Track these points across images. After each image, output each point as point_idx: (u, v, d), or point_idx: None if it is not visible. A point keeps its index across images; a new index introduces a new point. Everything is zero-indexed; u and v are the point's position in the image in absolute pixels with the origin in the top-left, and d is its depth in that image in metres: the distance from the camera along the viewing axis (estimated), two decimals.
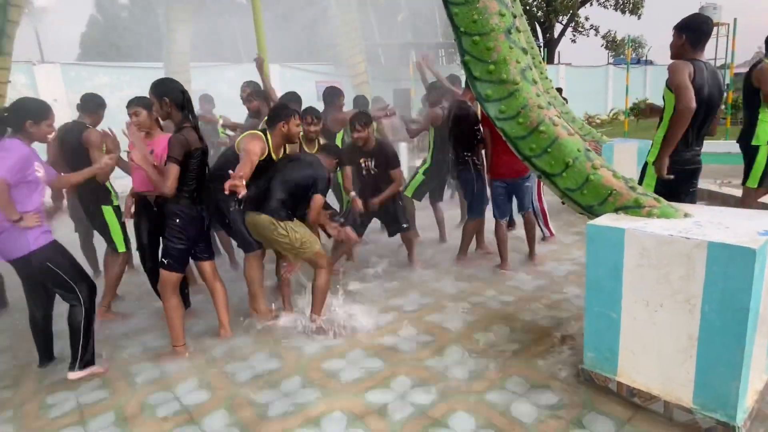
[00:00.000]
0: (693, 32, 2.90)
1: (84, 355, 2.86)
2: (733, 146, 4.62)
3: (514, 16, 2.68)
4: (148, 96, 3.00)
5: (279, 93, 5.00)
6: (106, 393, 2.74)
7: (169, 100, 2.90)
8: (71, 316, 2.84)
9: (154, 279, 3.45)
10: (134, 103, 3.34)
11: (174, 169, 2.83)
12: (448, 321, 3.32)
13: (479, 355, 2.85)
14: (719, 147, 8.83)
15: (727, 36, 13.35)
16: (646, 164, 3.17)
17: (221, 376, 2.82)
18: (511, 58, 2.58)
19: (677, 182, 3.02)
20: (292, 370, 2.83)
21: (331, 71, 14.40)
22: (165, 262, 2.99)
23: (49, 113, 2.81)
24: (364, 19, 14.08)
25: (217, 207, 3.46)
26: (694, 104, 2.76)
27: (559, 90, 7.12)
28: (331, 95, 4.83)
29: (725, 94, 2.98)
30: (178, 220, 2.94)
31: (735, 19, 12.94)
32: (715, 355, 1.99)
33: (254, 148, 3.10)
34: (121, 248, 3.86)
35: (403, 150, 7.92)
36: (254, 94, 4.55)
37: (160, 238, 3.13)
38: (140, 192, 3.42)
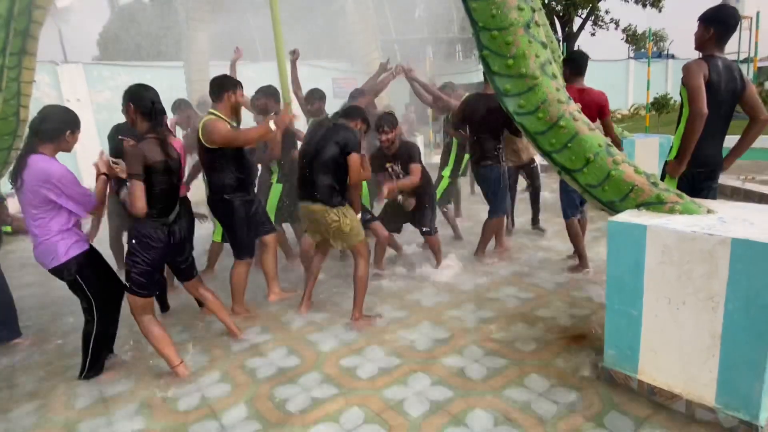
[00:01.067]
0: (721, 25, 2.79)
1: (89, 369, 2.86)
2: (759, 142, 4.49)
3: (533, 11, 2.65)
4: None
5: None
6: (131, 383, 2.81)
7: (134, 106, 2.68)
8: (84, 328, 2.85)
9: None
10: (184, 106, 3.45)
11: (136, 187, 2.58)
12: (466, 318, 3.31)
13: (497, 352, 2.84)
14: None
15: (750, 29, 12.97)
16: (666, 163, 3.11)
17: (241, 371, 2.87)
18: (530, 53, 2.56)
19: (699, 180, 2.95)
20: (310, 366, 2.86)
21: (348, 68, 14.41)
22: (127, 285, 2.75)
23: (80, 123, 2.86)
24: (380, 15, 14.05)
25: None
26: (705, 110, 2.70)
27: None
28: (355, 96, 4.83)
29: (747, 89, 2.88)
30: (134, 242, 2.69)
31: (758, 12, 12.58)
32: (738, 354, 1.96)
33: (225, 127, 3.19)
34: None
35: (419, 145, 7.92)
36: (259, 92, 4.52)
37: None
38: None
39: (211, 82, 3.35)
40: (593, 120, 3.90)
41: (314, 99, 4.64)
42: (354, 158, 3.25)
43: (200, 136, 3.21)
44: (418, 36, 18.64)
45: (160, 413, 2.53)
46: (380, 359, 2.87)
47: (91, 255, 2.86)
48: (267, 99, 4.42)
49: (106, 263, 2.97)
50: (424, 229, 4.23)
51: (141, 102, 2.68)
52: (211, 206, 3.48)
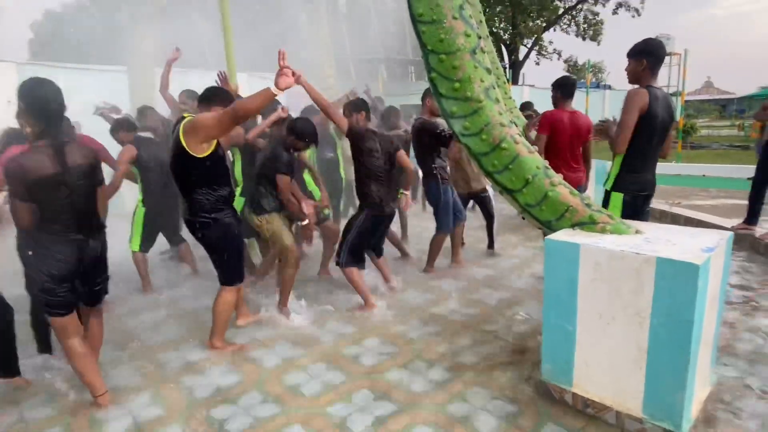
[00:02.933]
0: (652, 56, 2.92)
1: None
2: (682, 168, 4.88)
3: (479, 37, 2.78)
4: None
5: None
6: (54, 407, 2.60)
7: (24, 106, 2.27)
8: None
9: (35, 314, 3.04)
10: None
11: (18, 207, 2.25)
12: (412, 333, 3.33)
13: (441, 367, 2.87)
14: (671, 169, 9.31)
15: (679, 65, 14.16)
16: (607, 193, 3.16)
17: (177, 392, 2.73)
18: (475, 77, 2.66)
19: (640, 203, 3.10)
20: (251, 384, 2.77)
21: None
22: (43, 303, 2.45)
23: None
24: (335, 32, 14.16)
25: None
26: (623, 149, 2.94)
27: (530, 104, 7.40)
28: (309, 112, 4.81)
29: (676, 120, 3.15)
30: (30, 253, 2.37)
31: (686, 50, 13.74)
32: (662, 366, 2.08)
33: (211, 113, 2.80)
34: (134, 247, 4.30)
35: None
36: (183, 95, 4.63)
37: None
38: None
39: (206, 90, 3.04)
40: (582, 141, 4.14)
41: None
42: (279, 178, 3.49)
43: (182, 142, 2.72)
44: (373, 55, 18.93)
45: None
46: (324, 375, 2.83)
47: None
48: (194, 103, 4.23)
49: None
50: (335, 258, 3.87)
51: (30, 101, 2.25)
52: (192, 227, 2.99)
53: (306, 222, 3.74)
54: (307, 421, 2.40)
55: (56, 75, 2.45)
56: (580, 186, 4.11)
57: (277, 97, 2.63)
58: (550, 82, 4.20)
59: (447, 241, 4.65)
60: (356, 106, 3.78)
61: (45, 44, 22.79)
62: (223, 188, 2.96)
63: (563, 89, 4.13)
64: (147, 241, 4.38)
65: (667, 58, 21.25)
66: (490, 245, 5.27)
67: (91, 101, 4.80)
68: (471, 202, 5.24)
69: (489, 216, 5.20)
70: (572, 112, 4.13)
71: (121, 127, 4.30)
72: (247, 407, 2.54)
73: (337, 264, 3.77)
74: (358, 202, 3.90)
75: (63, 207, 2.34)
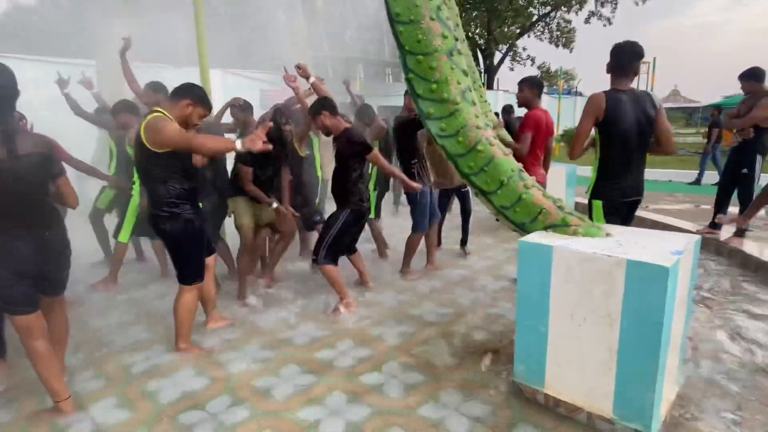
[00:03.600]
0: (615, 58, 2.89)
1: None
2: (649, 174, 4.99)
3: (456, 39, 2.78)
4: None
5: (221, 101, 4.88)
6: (11, 412, 2.47)
7: None
8: None
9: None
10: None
11: None
12: (387, 334, 3.31)
13: (415, 368, 2.86)
14: None
15: (648, 72, 14.62)
16: (589, 201, 3.08)
17: (141, 396, 2.63)
18: (452, 79, 2.67)
19: (625, 210, 3.01)
20: (220, 388, 2.70)
21: (277, 80, 14.20)
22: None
23: None
24: (313, 31, 14.07)
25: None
26: (575, 154, 3.04)
27: (511, 107, 7.50)
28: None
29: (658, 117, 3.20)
30: None
31: (654, 58, 14.17)
32: (632, 367, 2.11)
33: (175, 127, 2.71)
34: (122, 239, 4.23)
35: None
36: (147, 87, 4.36)
37: None
38: None
39: (178, 86, 2.91)
40: (550, 136, 4.24)
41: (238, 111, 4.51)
42: (240, 168, 3.81)
43: (142, 136, 2.70)
44: (351, 55, 18.89)
45: None
46: (297, 378, 2.77)
47: None
48: (157, 95, 4.12)
49: None
50: (312, 256, 3.78)
51: None
52: (152, 221, 2.93)
53: (275, 206, 3.93)
54: (278, 426, 2.35)
55: (22, 66, 2.32)
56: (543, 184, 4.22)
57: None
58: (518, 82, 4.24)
59: (422, 243, 4.65)
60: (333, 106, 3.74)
61: (10, 35, 21.91)
62: (184, 183, 2.88)
63: (540, 88, 4.20)
64: (135, 233, 4.29)
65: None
66: (464, 242, 5.29)
67: (58, 94, 4.62)
68: (451, 201, 5.27)
69: (465, 212, 5.24)
70: (545, 112, 4.21)
71: (124, 109, 4.09)
72: (215, 412, 2.47)
73: (314, 261, 3.70)
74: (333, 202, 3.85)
75: (13, 199, 2.22)
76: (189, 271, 3.01)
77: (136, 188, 4.17)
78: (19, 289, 2.29)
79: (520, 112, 6.25)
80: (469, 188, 5.07)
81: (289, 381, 2.75)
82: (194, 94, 2.86)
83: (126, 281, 4.39)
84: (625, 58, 2.89)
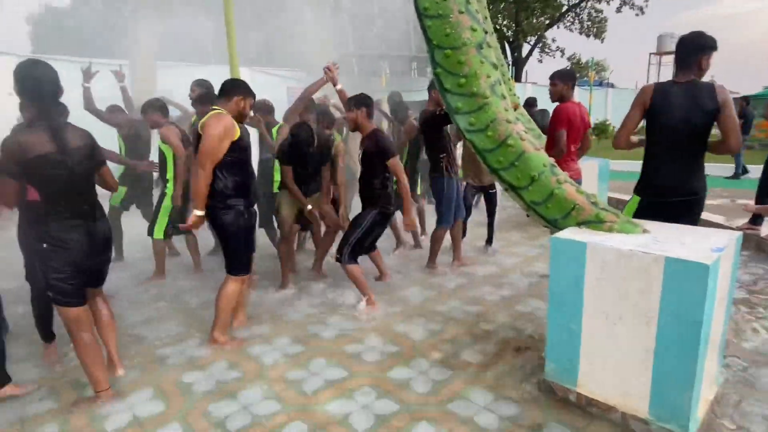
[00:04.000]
0: (680, 47, 2.80)
1: None
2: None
3: (485, 32, 2.74)
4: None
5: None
6: (54, 402, 2.58)
7: (19, 89, 2.27)
8: None
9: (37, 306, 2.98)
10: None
11: (7, 185, 2.24)
12: (414, 331, 3.31)
13: (443, 365, 2.85)
14: None
15: None
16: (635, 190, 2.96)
17: (176, 387, 2.71)
18: (481, 73, 2.63)
19: (663, 208, 2.76)
20: (251, 380, 2.75)
21: (303, 78, 14.32)
22: (51, 295, 2.41)
23: None
24: (338, 28, 14.12)
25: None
26: (619, 142, 2.93)
27: (534, 100, 7.36)
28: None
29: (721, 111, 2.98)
30: (45, 245, 2.34)
31: None
32: (669, 367, 2.05)
33: (232, 126, 2.94)
34: (157, 236, 4.30)
35: None
36: (194, 84, 4.61)
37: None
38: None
39: (225, 82, 3.08)
40: (586, 129, 4.14)
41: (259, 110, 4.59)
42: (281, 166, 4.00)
43: (201, 132, 2.87)
44: (376, 52, 18.85)
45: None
46: (326, 372, 2.80)
47: None
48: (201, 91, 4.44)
49: None
50: (336, 254, 3.76)
51: (27, 82, 2.26)
52: (209, 213, 3.00)
53: (309, 208, 4.04)
54: (308, 419, 2.38)
55: (57, 67, 2.41)
56: (579, 179, 4.11)
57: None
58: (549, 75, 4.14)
59: (448, 239, 4.62)
60: (358, 102, 3.70)
61: (45, 37, 22.72)
62: (238, 177, 2.99)
63: (574, 80, 4.07)
64: (170, 229, 4.38)
65: (670, 57, 21.18)
66: (489, 241, 5.25)
67: (93, 95, 4.76)
68: (476, 197, 5.24)
69: (491, 213, 5.19)
70: (579, 104, 4.08)
71: (153, 108, 4.16)
72: (247, 404, 2.52)
73: (338, 260, 3.72)
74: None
75: (65, 189, 2.33)
76: (238, 263, 3.10)
77: (170, 186, 4.26)
78: (73, 281, 2.40)
79: (543, 104, 6.11)
80: (496, 190, 5.04)
81: (318, 374, 2.78)
82: (242, 88, 3.02)
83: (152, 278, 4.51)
84: (685, 51, 2.77)
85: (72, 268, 2.39)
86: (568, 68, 4.26)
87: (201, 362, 2.96)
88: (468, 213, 5.11)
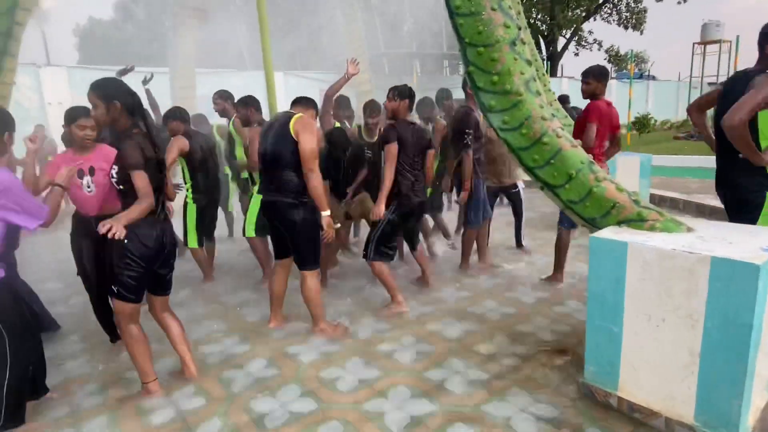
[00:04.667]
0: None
1: (6, 419, 2.27)
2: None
3: (519, 28, 2.70)
4: (89, 98, 2.47)
5: (285, 102, 5.04)
6: (101, 396, 2.72)
7: (120, 104, 2.45)
8: None
9: (100, 310, 3.24)
10: (82, 115, 2.92)
11: (142, 177, 2.40)
12: (448, 331, 3.29)
13: (479, 366, 2.83)
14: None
15: (729, 53, 13.42)
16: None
17: (217, 384, 2.80)
18: (515, 70, 2.59)
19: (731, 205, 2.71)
20: (289, 378, 2.81)
21: (336, 79, 14.48)
22: (115, 290, 2.51)
23: (14, 123, 2.51)
24: (369, 28, 14.19)
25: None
26: (730, 127, 2.42)
27: (567, 97, 7.17)
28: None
29: None
30: (127, 242, 2.42)
31: (738, 36, 13.01)
32: (717, 371, 1.97)
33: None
34: (192, 244, 4.35)
35: None
36: (217, 96, 4.86)
37: (108, 263, 2.65)
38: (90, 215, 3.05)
39: (299, 98, 3.41)
40: (616, 130, 4.04)
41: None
42: None
43: (291, 129, 3.02)
44: (407, 50, 18.86)
45: (132, 427, 2.44)
46: (361, 372, 2.83)
47: (8, 286, 2.31)
48: (224, 102, 4.74)
49: (16, 289, 2.53)
50: (363, 251, 3.71)
51: (124, 97, 2.47)
52: (280, 207, 3.12)
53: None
54: (344, 417, 2.41)
55: (102, 76, 2.54)
56: None
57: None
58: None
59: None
60: (402, 93, 3.63)
61: (90, 47, 23.84)
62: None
63: (607, 77, 3.96)
64: (203, 235, 4.45)
65: (715, 46, 20.19)
66: (519, 244, 5.17)
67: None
68: (498, 198, 5.13)
69: (517, 214, 5.08)
70: (608, 102, 3.96)
71: (173, 117, 4.25)
72: (285, 401, 2.58)
73: (364, 257, 3.70)
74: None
75: (156, 192, 2.50)
76: (311, 257, 3.24)
77: (189, 195, 4.30)
78: (143, 279, 2.55)
79: (576, 101, 5.92)
80: (520, 190, 4.93)
81: (353, 373, 2.81)
82: (315, 105, 3.40)
83: (195, 277, 4.65)
84: (759, 39, 2.67)
85: (147, 266, 2.52)
86: (601, 65, 4.09)
87: (240, 360, 3.04)
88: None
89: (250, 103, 4.11)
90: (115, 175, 2.49)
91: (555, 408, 2.39)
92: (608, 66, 30.10)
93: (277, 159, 3.09)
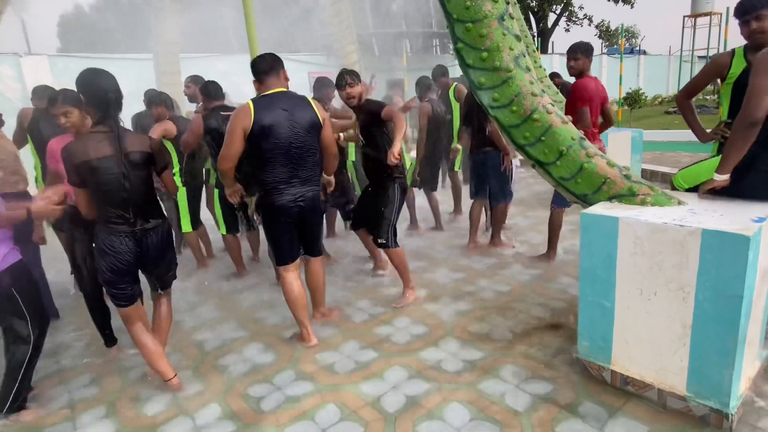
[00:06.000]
0: None
1: (17, 398, 2.43)
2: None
3: (507, 3, 2.64)
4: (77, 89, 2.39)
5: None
6: (97, 387, 2.71)
7: (86, 99, 2.34)
8: (12, 352, 2.40)
9: (95, 311, 3.09)
10: (62, 101, 2.70)
11: (77, 193, 2.33)
12: (443, 311, 3.31)
13: (474, 345, 2.84)
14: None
15: (720, 25, 13.34)
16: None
17: (214, 370, 2.80)
18: (504, 45, 2.54)
19: None
20: (285, 363, 2.81)
21: (323, 62, 14.27)
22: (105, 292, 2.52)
23: None
24: (357, 8, 13.94)
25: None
26: (759, 116, 2.04)
27: (557, 74, 7.13)
28: (323, 83, 4.69)
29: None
30: (94, 245, 2.46)
31: (728, 8, 12.91)
32: (708, 342, 1.99)
33: None
34: (186, 228, 4.29)
35: None
36: (189, 80, 4.78)
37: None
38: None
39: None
40: (606, 103, 3.97)
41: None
42: None
43: (318, 114, 2.86)
44: (396, 30, 18.57)
45: (129, 416, 2.45)
46: (357, 354, 2.84)
47: (26, 267, 2.48)
48: (194, 87, 4.58)
49: (34, 277, 2.59)
50: (379, 240, 3.47)
51: (90, 92, 2.33)
52: (317, 203, 2.96)
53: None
54: (341, 399, 2.43)
55: (86, 65, 2.47)
56: None
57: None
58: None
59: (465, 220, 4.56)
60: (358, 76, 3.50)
61: (72, 36, 23.32)
62: None
63: (592, 53, 3.87)
64: (196, 219, 4.40)
65: (706, 19, 20.05)
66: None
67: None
68: None
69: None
70: (595, 79, 3.89)
71: (157, 102, 4.22)
72: (281, 385, 2.59)
73: (384, 246, 3.44)
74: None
75: (118, 195, 2.34)
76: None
77: (177, 179, 4.18)
78: (121, 285, 2.45)
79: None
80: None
81: (350, 356, 2.82)
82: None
83: (190, 267, 4.62)
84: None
85: (116, 274, 2.42)
86: (586, 42, 3.97)
87: (236, 346, 3.05)
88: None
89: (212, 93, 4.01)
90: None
91: (550, 383, 2.42)
92: (599, 41, 29.90)
93: (310, 148, 2.83)
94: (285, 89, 2.83)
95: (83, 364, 2.98)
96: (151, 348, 2.57)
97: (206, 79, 4.34)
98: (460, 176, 5.81)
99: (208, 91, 3.91)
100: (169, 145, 4.13)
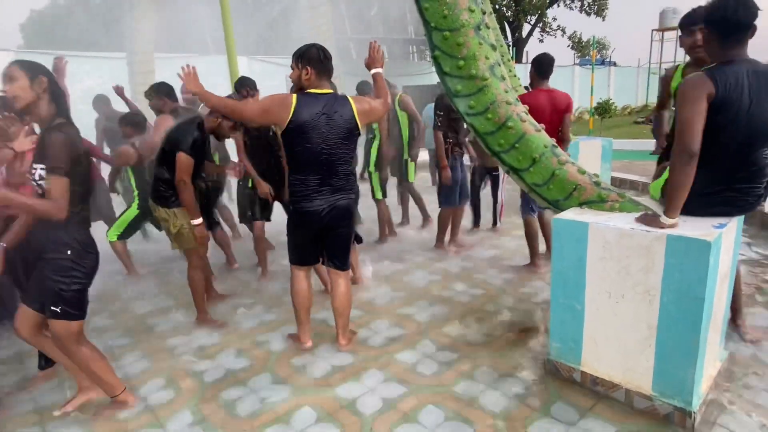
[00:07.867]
0: (719, 24, 2.09)
1: None
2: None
3: (484, 13, 2.71)
4: (7, 70, 2.10)
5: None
6: (65, 393, 2.63)
7: (47, 81, 2.12)
8: None
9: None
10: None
11: (62, 184, 2.05)
12: (418, 315, 3.34)
13: (449, 347, 2.88)
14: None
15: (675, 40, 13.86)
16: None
17: (187, 376, 2.75)
18: (480, 54, 2.61)
19: None
20: (260, 367, 2.79)
21: None
22: (58, 310, 2.17)
23: None
24: (335, 12, 13.96)
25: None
26: (695, 147, 2.00)
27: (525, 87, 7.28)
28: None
29: None
30: (69, 252, 2.16)
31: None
32: (672, 343, 2.07)
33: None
34: (111, 238, 4.16)
35: None
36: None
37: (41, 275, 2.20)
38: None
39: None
40: (561, 117, 3.80)
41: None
42: (180, 157, 3.02)
43: (357, 118, 2.70)
44: (374, 35, 18.67)
45: (100, 423, 2.38)
46: (333, 357, 2.84)
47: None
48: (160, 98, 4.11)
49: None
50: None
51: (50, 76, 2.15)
52: (351, 210, 2.85)
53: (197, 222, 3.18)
54: (317, 402, 2.42)
55: (50, 62, 2.40)
56: None
57: None
58: (557, 60, 3.99)
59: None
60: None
61: (47, 32, 22.65)
62: None
63: (538, 67, 3.81)
64: (127, 233, 4.27)
65: (673, 33, 20.78)
66: (495, 222, 5.39)
67: (91, 88, 4.78)
68: (484, 180, 5.27)
69: (494, 195, 5.23)
70: (549, 90, 3.78)
71: (127, 123, 4.14)
72: (257, 388, 2.57)
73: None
74: None
75: (86, 190, 2.24)
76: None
77: (136, 193, 4.16)
78: (87, 290, 2.29)
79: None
80: (500, 172, 5.04)
81: (325, 359, 2.82)
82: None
83: (164, 270, 4.55)
84: (736, 24, 2.13)
85: (89, 276, 2.27)
86: (544, 54, 3.92)
87: (210, 351, 3.00)
88: (475, 195, 5.20)
89: (162, 91, 3.98)
90: (39, 177, 2.10)
91: (523, 385, 2.47)
92: (572, 52, 30.68)
93: (347, 152, 2.72)
94: (332, 91, 2.73)
95: (51, 370, 2.88)
96: (103, 361, 2.40)
97: (175, 81, 4.28)
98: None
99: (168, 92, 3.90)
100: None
